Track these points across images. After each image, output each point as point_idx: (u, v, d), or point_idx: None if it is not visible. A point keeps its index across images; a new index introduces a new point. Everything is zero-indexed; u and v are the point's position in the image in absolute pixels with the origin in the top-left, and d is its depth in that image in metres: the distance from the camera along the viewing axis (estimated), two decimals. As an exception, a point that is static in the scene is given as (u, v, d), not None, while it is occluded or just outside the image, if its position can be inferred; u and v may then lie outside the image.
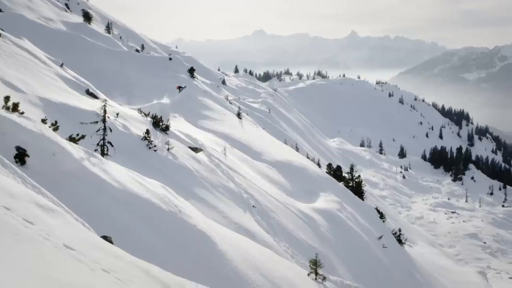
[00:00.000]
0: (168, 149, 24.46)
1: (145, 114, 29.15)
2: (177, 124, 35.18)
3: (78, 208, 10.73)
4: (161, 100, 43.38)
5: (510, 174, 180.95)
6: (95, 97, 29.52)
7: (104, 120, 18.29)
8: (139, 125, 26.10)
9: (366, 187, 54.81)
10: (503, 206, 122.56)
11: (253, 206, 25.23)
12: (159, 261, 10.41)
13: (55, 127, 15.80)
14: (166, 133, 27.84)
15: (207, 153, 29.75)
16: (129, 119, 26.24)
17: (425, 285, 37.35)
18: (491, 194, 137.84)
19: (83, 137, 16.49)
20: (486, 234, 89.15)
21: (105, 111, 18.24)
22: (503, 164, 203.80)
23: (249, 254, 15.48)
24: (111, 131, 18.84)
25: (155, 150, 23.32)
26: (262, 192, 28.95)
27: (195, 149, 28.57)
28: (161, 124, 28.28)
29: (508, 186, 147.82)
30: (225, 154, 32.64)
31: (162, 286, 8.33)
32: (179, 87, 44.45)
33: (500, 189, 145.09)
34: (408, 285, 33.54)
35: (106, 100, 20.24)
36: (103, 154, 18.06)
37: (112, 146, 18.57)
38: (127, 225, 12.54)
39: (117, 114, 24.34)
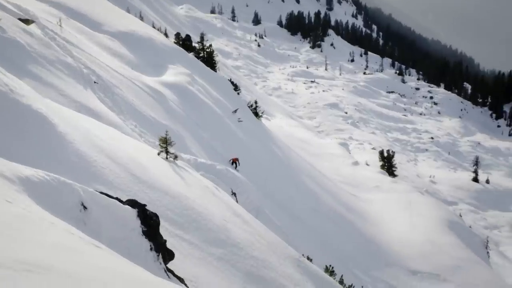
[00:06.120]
0: (-7, 22, 23.32)
1: (-41, -19, 27.36)
2: (0, -8, 33.40)
3: None
4: None
5: (371, 39, 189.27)
6: None
7: None
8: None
9: (218, 57, 55.45)
10: (364, 73, 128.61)
11: (95, 82, 25.06)
12: (-11, 146, 10.31)
13: None
14: (-11, 3, 26.42)
15: (41, 25, 28.64)
16: None
17: (283, 158, 39.26)
18: (352, 61, 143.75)
19: None
20: (347, 103, 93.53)
21: None
22: (364, 29, 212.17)
23: (92, 135, 15.55)
24: None
25: (-24, 23, 22.18)
26: (104, 66, 28.68)
27: (26, 21, 27.36)
28: (-18, -8, 26.74)
29: (369, 52, 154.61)
30: (60, 25, 31.56)
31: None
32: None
33: (361, 55, 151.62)
34: (265, 159, 35.12)
35: None
36: None
37: None
38: None
39: None
